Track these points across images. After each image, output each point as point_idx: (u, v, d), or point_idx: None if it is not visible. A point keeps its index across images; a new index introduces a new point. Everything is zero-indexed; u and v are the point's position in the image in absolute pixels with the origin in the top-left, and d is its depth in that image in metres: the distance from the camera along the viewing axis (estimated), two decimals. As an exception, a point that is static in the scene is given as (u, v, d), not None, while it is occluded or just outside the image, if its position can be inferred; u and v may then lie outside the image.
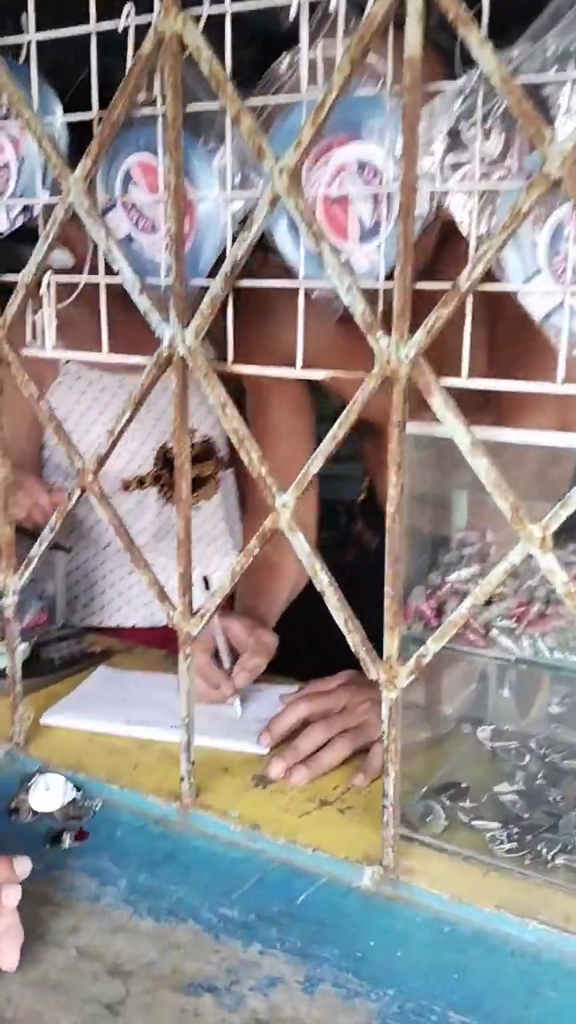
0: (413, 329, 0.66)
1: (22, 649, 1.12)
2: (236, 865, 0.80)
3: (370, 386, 0.68)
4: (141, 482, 1.44)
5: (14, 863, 0.71)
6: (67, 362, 1.39)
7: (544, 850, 0.76)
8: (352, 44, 0.63)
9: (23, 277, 0.82)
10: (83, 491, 0.86)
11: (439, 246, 0.95)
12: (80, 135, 0.81)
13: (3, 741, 0.98)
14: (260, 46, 0.75)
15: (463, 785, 0.86)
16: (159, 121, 0.74)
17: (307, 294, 0.73)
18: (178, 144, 0.71)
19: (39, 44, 0.79)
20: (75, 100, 0.82)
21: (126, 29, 0.73)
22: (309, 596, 0.82)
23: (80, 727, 1.02)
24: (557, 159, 0.58)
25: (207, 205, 0.76)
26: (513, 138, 0.63)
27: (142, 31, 0.72)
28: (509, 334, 1.02)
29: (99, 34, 0.76)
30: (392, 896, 0.76)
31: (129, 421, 0.81)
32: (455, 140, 0.64)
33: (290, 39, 0.69)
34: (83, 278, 0.83)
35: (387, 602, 0.71)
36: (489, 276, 0.64)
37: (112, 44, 0.75)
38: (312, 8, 0.67)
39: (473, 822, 0.81)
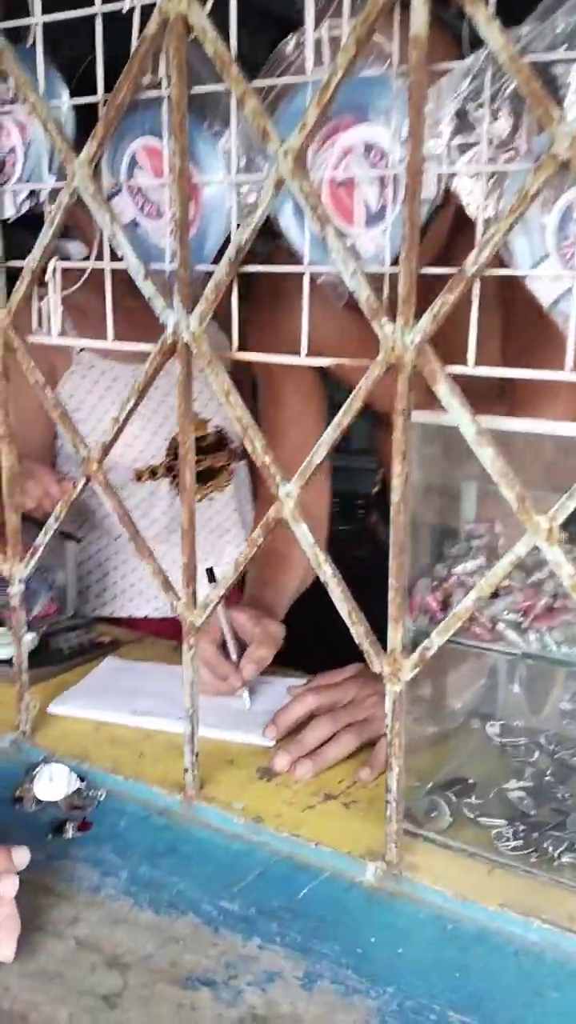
0: (420, 315, 0.64)
1: (30, 638, 1.12)
2: (238, 858, 0.80)
3: (375, 373, 0.67)
4: (153, 473, 1.44)
5: (13, 853, 0.70)
6: (80, 351, 1.38)
7: (551, 848, 0.75)
8: (358, 23, 0.61)
9: (28, 263, 0.82)
10: (88, 480, 0.85)
11: (453, 234, 0.93)
12: (87, 120, 0.80)
13: (9, 730, 0.98)
14: (278, 30, 0.73)
15: (470, 781, 0.84)
16: (164, 104, 0.73)
17: (313, 279, 0.72)
18: (183, 127, 0.70)
19: (46, 27, 0.78)
20: (82, 85, 0.81)
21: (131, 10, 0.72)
22: (319, 588, 0.81)
23: (87, 717, 1.01)
24: (566, 140, 0.56)
25: (212, 189, 0.75)
26: (522, 119, 0.61)
27: (148, 12, 0.71)
28: (523, 322, 1.00)
29: (106, 16, 0.75)
30: (395, 892, 0.75)
31: (133, 409, 0.80)
32: (463, 121, 0.62)
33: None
34: (90, 264, 0.82)
35: (391, 594, 0.70)
36: (500, 263, 0.63)
37: (119, 27, 0.74)
38: (319, -13, 0.66)
39: (479, 818, 0.80)
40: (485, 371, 0.64)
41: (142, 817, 0.86)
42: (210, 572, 1.05)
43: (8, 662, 1.04)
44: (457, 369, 0.65)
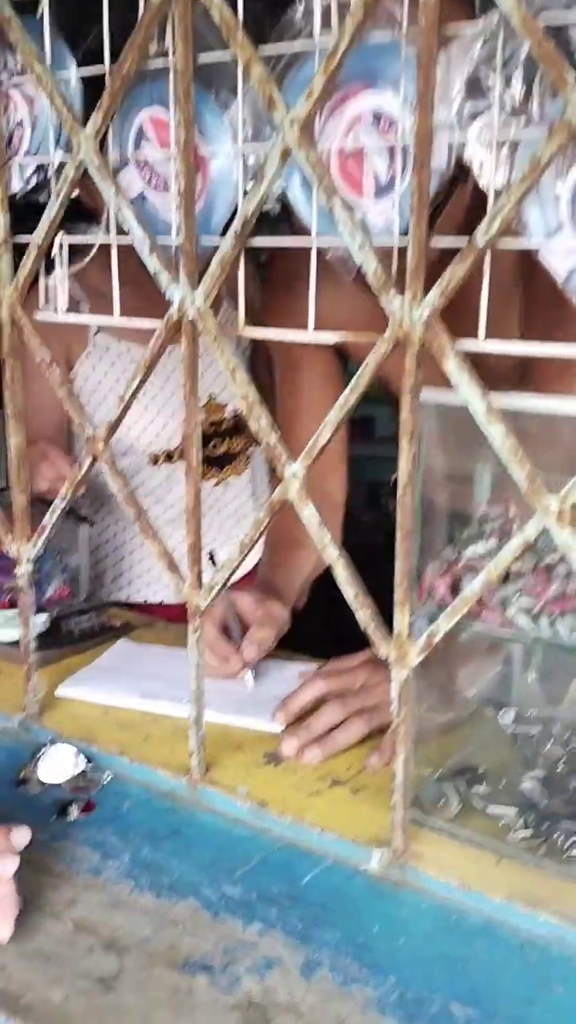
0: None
1: (41, 620, 1.12)
2: (241, 843, 0.78)
3: (382, 349, 0.65)
4: (169, 457, 1.43)
5: (12, 833, 0.70)
6: (96, 333, 1.37)
7: (561, 839, 0.73)
8: (366, -14, 0.59)
9: (35, 238, 0.80)
10: (95, 460, 0.84)
11: (473, 214, 0.91)
12: (96, 93, 0.79)
13: (17, 711, 0.97)
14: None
15: (480, 770, 0.83)
16: (171, 74, 0.72)
17: (323, 255, 0.70)
18: (188, 96, 0.69)
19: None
20: (92, 57, 0.80)
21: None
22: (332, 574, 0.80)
23: (95, 700, 1.01)
24: (580, 104, 0.54)
25: (220, 161, 0.73)
26: (536, 84, 0.59)
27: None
28: (545, 304, 0.97)
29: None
30: (399, 881, 0.73)
31: (139, 388, 0.78)
32: (474, 87, 0.60)
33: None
34: (97, 239, 0.81)
35: (397, 577, 0.68)
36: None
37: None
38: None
39: (488, 808, 0.78)
40: (496, 346, 0.62)
41: (146, 800, 0.85)
42: (211, 556, 1.04)
43: (18, 643, 1.04)
44: (468, 345, 0.63)
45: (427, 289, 0.63)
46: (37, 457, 1.20)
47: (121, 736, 0.93)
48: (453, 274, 0.61)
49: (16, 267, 0.84)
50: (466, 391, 0.62)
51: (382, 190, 0.66)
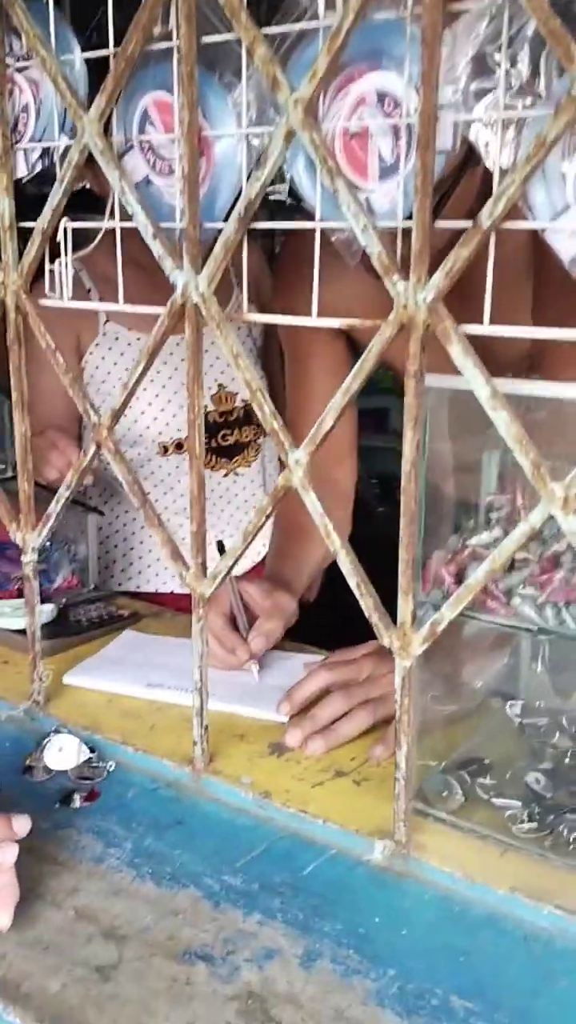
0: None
1: (49, 609, 1.11)
2: (244, 833, 0.78)
3: (387, 333, 0.64)
4: (180, 446, 1.42)
5: (13, 821, 0.69)
6: (106, 322, 1.37)
7: (566, 831, 0.72)
8: (370, -37, 0.58)
9: (40, 223, 0.80)
10: (99, 447, 0.83)
11: (484, 195, 0.89)
12: (101, 77, 0.78)
13: (23, 699, 0.97)
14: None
15: (486, 761, 0.82)
16: (175, 56, 0.71)
17: (328, 237, 0.69)
18: (192, 77, 0.68)
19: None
20: (97, 42, 0.79)
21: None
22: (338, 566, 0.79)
23: (101, 688, 1.00)
24: (587, 81, 0.53)
25: (224, 145, 0.72)
26: (542, 62, 0.58)
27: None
28: (557, 292, 0.96)
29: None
30: (402, 872, 0.72)
31: (143, 374, 0.78)
32: (480, 66, 0.59)
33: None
34: (103, 224, 0.80)
35: (401, 565, 0.67)
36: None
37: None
38: None
39: (493, 799, 0.77)
40: (501, 330, 0.61)
41: (150, 789, 0.84)
42: (220, 545, 1.03)
43: (22, 632, 1.03)
44: (473, 329, 0.62)
45: (432, 273, 0.62)
46: (47, 446, 1.20)
47: (126, 725, 0.93)
48: (458, 256, 0.60)
49: (21, 253, 0.83)
50: (471, 376, 0.61)
51: (387, 172, 0.65)
